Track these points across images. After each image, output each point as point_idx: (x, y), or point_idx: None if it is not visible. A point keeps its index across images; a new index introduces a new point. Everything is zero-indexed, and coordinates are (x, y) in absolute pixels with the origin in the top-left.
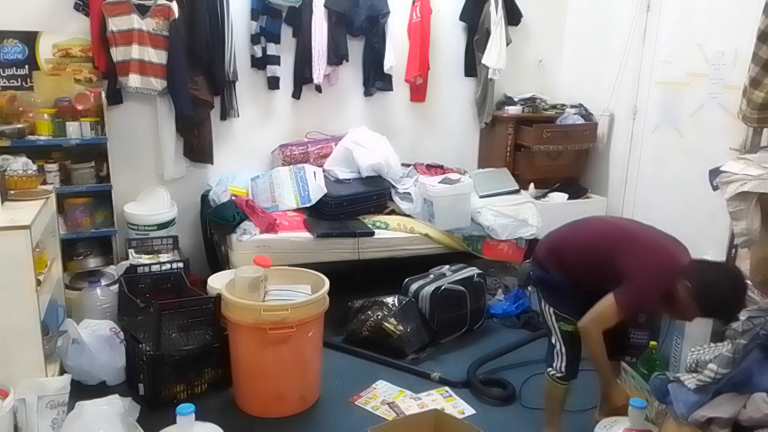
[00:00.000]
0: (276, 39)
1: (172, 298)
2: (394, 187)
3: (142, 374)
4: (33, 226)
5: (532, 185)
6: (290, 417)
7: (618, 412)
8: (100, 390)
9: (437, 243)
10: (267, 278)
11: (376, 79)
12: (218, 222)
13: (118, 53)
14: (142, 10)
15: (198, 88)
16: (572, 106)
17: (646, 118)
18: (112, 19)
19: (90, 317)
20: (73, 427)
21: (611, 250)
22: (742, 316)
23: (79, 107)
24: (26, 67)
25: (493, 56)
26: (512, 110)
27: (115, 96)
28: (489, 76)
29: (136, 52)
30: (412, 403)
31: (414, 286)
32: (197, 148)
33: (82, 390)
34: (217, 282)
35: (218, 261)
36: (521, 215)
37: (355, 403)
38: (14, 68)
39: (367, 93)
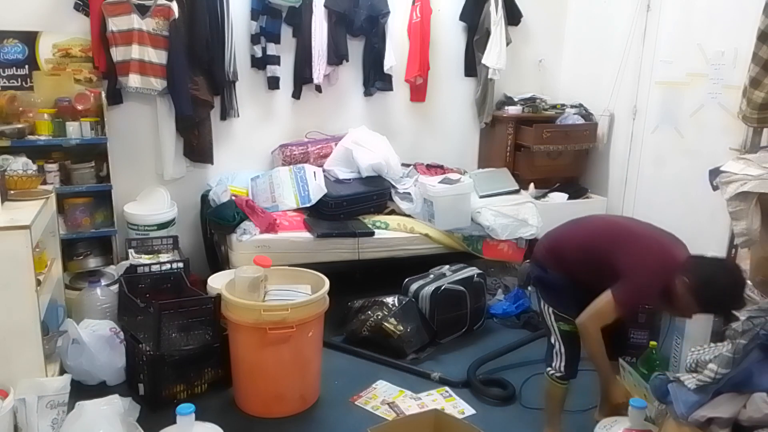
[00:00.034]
0: (276, 39)
1: (172, 298)
2: (394, 187)
3: (142, 374)
4: (33, 226)
5: (532, 185)
6: (290, 417)
7: (618, 408)
8: (100, 390)
9: (437, 243)
10: (267, 278)
11: (376, 79)
12: (218, 222)
13: (118, 53)
14: (142, 10)
15: (198, 88)
16: (572, 106)
17: (646, 118)
18: (112, 19)
19: (90, 317)
20: (73, 427)
21: (609, 248)
22: (742, 316)
23: (79, 107)
24: (26, 67)
25: (493, 56)
26: (512, 110)
27: (115, 96)
28: (489, 76)
29: (136, 52)
30: (412, 403)
31: (414, 286)
32: (197, 148)
33: (82, 390)
34: (217, 282)
35: (218, 261)
36: (521, 215)
37: (355, 403)
38: (14, 68)
39: (367, 93)
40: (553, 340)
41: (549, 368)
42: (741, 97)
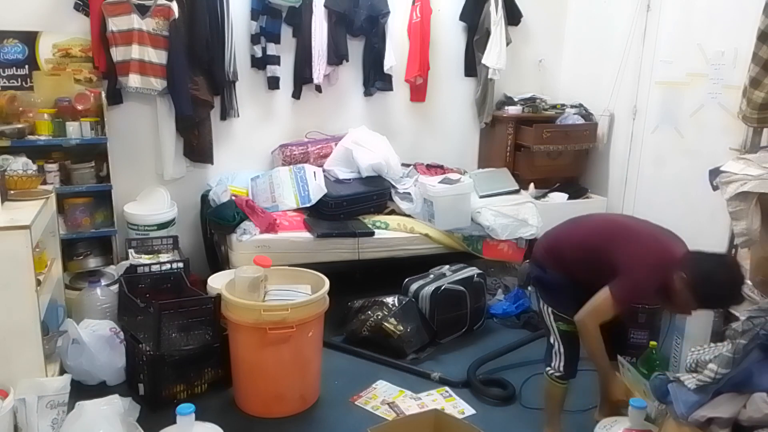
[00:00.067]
0: (276, 39)
1: (172, 298)
2: (394, 187)
3: (142, 374)
4: (33, 226)
5: (532, 185)
6: (290, 417)
7: (617, 406)
8: (100, 390)
9: (437, 243)
10: (267, 278)
11: (376, 79)
12: (218, 222)
13: (118, 53)
14: (142, 10)
15: (198, 88)
16: (572, 106)
17: (646, 118)
18: (112, 19)
19: (90, 317)
20: (73, 427)
21: (607, 246)
22: (742, 316)
23: (79, 107)
24: (26, 67)
25: (493, 56)
26: (512, 110)
27: (115, 96)
28: (489, 76)
29: (136, 52)
30: (412, 403)
31: (414, 286)
32: (197, 148)
33: (82, 390)
34: (217, 282)
35: (218, 261)
36: (521, 215)
37: (355, 403)
38: (14, 68)
39: (367, 93)
40: (552, 340)
41: (548, 368)
42: (741, 97)
